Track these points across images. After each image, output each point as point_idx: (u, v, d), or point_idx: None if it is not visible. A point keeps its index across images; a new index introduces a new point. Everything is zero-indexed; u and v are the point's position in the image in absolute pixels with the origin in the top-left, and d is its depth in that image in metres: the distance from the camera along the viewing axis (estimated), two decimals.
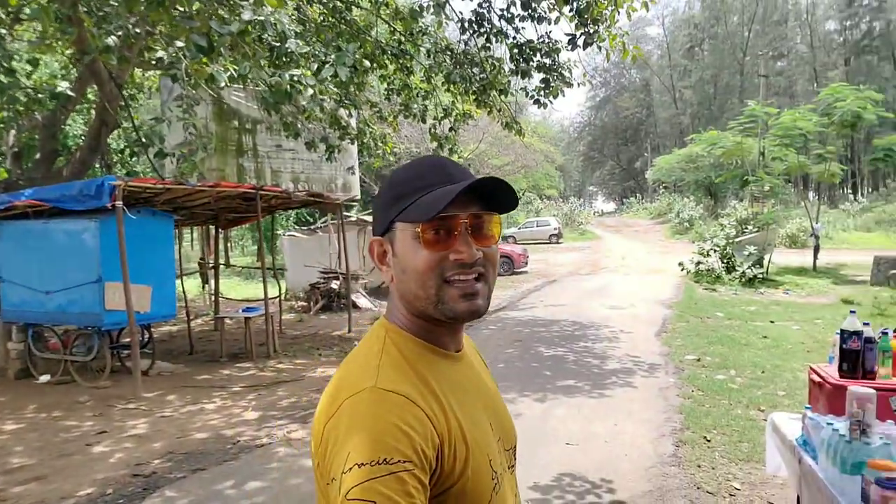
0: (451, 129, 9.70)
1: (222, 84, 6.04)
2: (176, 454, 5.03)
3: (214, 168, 10.76)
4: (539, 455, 4.75)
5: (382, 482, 0.77)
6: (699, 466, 4.44)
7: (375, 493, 0.76)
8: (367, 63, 7.74)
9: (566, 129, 75.00)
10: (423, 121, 9.65)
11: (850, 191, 43.80)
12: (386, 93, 10.24)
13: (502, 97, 9.29)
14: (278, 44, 6.17)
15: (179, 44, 5.67)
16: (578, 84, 8.77)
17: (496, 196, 0.96)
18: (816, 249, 18.10)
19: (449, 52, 8.89)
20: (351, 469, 0.78)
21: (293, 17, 7.56)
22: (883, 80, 39.63)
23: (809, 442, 2.58)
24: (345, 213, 13.28)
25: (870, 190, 43.36)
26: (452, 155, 10.39)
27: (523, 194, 45.45)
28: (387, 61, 8.67)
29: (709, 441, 4.93)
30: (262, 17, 5.54)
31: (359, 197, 14.31)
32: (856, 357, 2.60)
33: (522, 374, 7.29)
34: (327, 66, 6.15)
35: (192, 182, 8.04)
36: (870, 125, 17.60)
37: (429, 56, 8.87)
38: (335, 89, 7.16)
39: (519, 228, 32.99)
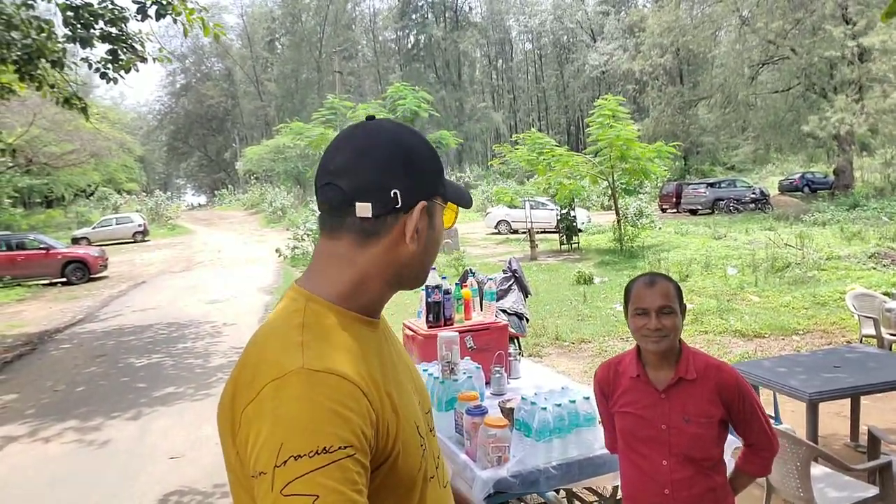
0: None
1: None
2: None
3: None
4: (139, 479, 4.09)
5: (324, 473, 0.70)
6: None
7: (317, 486, 0.70)
8: None
9: (144, 116, 68.15)
10: None
11: None
12: None
13: (56, 70, 7.66)
14: None
15: None
16: (154, 59, 7.82)
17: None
18: None
19: None
20: (286, 462, 0.71)
21: None
22: (428, 85, 47.83)
23: None
24: None
25: None
26: None
27: (96, 188, 39.64)
28: None
29: None
30: None
31: None
32: (438, 308, 2.89)
33: (110, 394, 6.26)
34: None
35: None
36: (424, 121, 21.03)
37: None
38: None
39: (94, 228, 28.44)
